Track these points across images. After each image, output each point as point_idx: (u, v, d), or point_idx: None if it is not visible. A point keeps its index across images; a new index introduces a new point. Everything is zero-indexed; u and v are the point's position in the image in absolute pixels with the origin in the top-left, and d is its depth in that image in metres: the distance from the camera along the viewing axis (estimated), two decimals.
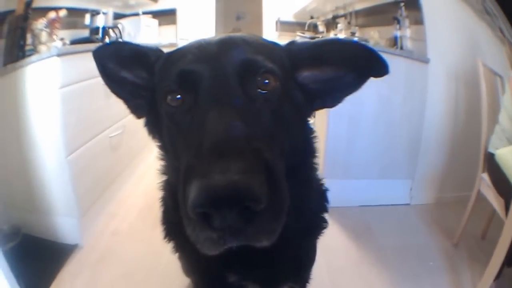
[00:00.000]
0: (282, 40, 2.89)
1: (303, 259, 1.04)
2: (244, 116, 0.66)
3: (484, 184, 1.60)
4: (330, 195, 2.20)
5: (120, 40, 2.48)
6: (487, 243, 1.62)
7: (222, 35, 0.82)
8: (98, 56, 0.88)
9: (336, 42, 0.90)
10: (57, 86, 1.75)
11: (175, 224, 0.93)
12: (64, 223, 1.92)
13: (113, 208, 2.20)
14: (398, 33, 2.10)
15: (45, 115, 1.79)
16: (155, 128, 0.90)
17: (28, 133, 1.78)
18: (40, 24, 1.82)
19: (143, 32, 2.61)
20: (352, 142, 2.15)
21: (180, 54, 0.81)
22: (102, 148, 2.11)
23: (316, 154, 0.96)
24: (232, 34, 0.83)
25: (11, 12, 1.78)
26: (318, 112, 2.18)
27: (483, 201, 1.63)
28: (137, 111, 0.93)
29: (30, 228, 1.87)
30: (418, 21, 2.03)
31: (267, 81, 0.73)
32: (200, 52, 0.77)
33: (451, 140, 2.05)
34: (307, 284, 1.22)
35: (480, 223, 1.78)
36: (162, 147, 0.91)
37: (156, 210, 0.99)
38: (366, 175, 2.21)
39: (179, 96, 0.74)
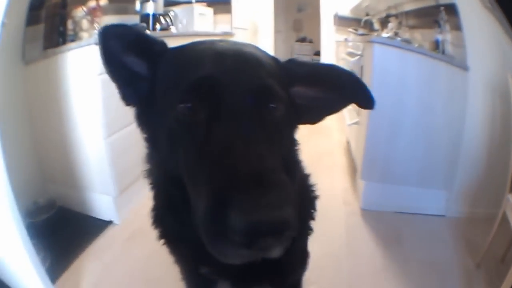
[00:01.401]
0: (339, 34, 2.86)
1: (283, 263, 1.03)
2: (266, 141, 0.70)
3: (510, 206, 1.51)
4: (366, 198, 2.19)
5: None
6: (505, 268, 1.53)
7: (230, 44, 0.84)
8: (104, 34, 0.85)
9: (334, 68, 0.93)
10: (97, 73, 1.83)
11: (161, 212, 0.99)
12: (100, 200, 2.05)
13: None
14: (440, 37, 2.01)
15: (85, 98, 1.90)
16: (146, 122, 0.91)
17: (69, 113, 1.90)
18: (80, 12, 1.92)
19: (196, 21, 2.64)
20: (392, 146, 2.10)
21: (193, 58, 0.81)
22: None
23: (301, 163, 1.00)
24: (239, 46, 0.85)
25: None
26: (361, 113, 2.16)
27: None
28: (127, 98, 0.92)
29: (66, 202, 2.02)
30: (458, 26, 1.93)
31: (277, 106, 0.77)
32: (217, 63, 0.77)
33: (488, 153, 1.95)
34: None
35: (504, 245, 1.69)
36: (150, 141, 0.92)
37: None
38: (404, 181, 2.15)
39: (190, 104, 0.74)
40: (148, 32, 2.36)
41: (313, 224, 1.08)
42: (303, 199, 1.04)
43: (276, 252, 0.64)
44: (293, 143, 0.93)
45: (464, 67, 1.93)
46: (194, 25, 2.64)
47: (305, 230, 1.06)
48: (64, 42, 1.89)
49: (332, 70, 0.90)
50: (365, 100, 0.85)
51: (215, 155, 0.67)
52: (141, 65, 0.89)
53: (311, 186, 1.09)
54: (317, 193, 1.10)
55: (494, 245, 1.69)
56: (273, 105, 0.75)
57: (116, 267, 1.79)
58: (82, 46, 1.84)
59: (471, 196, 2.06)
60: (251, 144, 0.67)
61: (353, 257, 1.84)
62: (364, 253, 1.90)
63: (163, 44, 0.88)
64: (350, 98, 0.88)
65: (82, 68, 1.86)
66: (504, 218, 1.57)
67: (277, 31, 2.98)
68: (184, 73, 0.77)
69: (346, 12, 2.78)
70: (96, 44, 1.81)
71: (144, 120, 0.91)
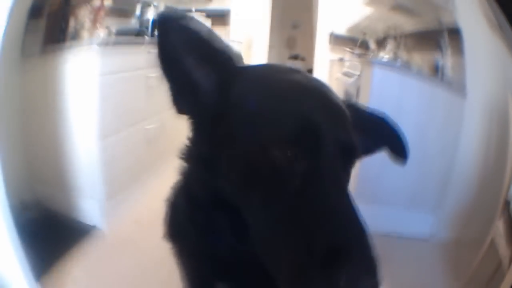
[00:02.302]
0: (334, 53, 2.89)
1: None
2: None
3: (498, 233, 1.55)
4: None
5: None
6: None
7: (311, 80, 0.82)
8: (165, 23, 0.75)
9: (384, 121, 1.07)
10: (96, 74, 1.84)
11: (183, 227, 0.98)
12: (87, 204, 2.01)
13: (141, 198, 2.26)
14: (440, 62, 2.06)
15: (81, 98, 1.89)
16: (206, 138, 0.82)
17: (63, 112, 1.88)
18: (83, 10, 1.92)
19: None
20: (384, 168, 2.12)
21: (285, 92, 0.75)
22: (137, 138, 2.16)
23: None
24: (319, 83, 0.83)
25: None
26: None
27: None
28: (180, 105, 0.82)
29: (53, 204, 1.96)
30: (459, 51, 1.97)
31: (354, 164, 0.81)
32: (316, 107, 0.74)
33: (480, 180, 1.98)
34: None
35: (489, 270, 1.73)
36: (203, 159, 0.84)
37: None
38: (393, 202, 2.16)
39: (291, 151, 0.69)
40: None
41: None
42: None
43: None
44: None
45: (462, 92, 1.96)
46: None
47: None
48: (64, 39, 1.88)
49: (383, 122, 0.95)
50: (400, 155, 0.92)
51: (317, 205, 0.69)
52: (205, 74, 0.79)
53: None
54: None
55: (481, 269, 1.72)
56: (353, 164, 0.80)
57: (101, 275, 1.78)
58: (81, 46, 1.84)
59: (461, 220, 2.06)
60: (350, 202, 0.72)
61: None
62: None
63: (241, 59, 0.81)
64: (386, 148, 0.93)
65: (80, 67, 1.86)
66: (492, 244, 1.61)
67: (270, 46, 3.00)
68: (279, 110, 0.72)
69: (342, 31, 2.81)
70: (99, 45, 1.84)
71: (203, 135, 0.84)
